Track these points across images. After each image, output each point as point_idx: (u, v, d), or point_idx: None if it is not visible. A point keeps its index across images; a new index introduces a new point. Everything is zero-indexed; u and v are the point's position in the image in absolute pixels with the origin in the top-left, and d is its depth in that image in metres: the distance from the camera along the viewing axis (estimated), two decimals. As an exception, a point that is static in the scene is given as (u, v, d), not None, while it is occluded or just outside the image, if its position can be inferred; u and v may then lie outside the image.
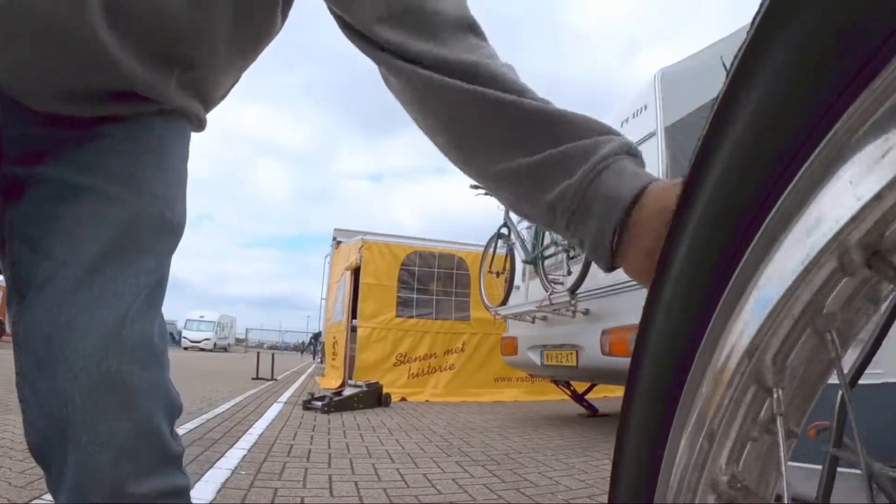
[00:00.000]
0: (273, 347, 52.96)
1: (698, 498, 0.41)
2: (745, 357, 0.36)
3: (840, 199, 0.30)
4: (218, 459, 3.17)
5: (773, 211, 0.34)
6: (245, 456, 3.32)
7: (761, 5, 0.33)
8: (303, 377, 12.34)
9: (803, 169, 0.32)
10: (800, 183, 0.32)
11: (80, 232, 0.77)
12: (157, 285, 0.83)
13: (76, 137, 0.83)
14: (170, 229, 0.87)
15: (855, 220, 0.30)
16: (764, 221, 0.35)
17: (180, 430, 3.78)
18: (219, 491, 2.55)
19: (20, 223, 0.79)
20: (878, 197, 0.29)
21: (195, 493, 2.47)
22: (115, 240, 0.78)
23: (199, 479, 2.71)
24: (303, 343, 31.72)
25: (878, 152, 0.29)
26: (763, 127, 0.34)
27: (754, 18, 0.33)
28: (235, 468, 2.99)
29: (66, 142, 0.82)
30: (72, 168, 0.80)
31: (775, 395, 0.37)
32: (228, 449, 3.49)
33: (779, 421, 0.36)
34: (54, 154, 0.81)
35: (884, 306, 0.35)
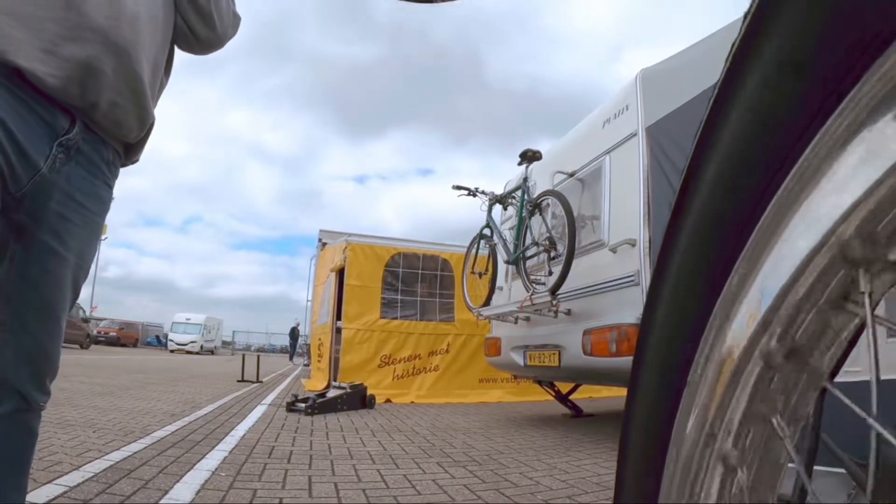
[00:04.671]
0: (260, 350, 52.63)
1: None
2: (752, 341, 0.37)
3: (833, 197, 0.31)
4: (198, 461, 3.16)
5: (768, 208, 0.35)
6: (226, 458, 3.31)
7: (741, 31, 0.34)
8: (288, 380, 12.29)
9: (797, 166, 0.33)
10: (795, 179, 0.33)
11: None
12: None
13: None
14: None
15: (848, 216, 0.31)
16: (760, 219, 0.36)
17: (162, 432, 3.76)
18: (197, 492, 2.54)
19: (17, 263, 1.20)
20: (869, 192, 0.30)
21: (174, 494, 2.47)
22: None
23: (178, 481, 2.70)
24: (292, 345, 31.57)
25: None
26: (756, 126, 0.35)
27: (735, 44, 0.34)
28: (215, 470, 2.98)
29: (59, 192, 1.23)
30: (51, 236, 1.21)
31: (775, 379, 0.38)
32: (209, 451, 3.48)
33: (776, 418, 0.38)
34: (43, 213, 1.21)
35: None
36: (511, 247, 5.48)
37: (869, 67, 0.30)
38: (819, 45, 0.31)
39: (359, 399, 6.59)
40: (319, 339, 10.74)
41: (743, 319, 0.38)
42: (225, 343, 52.13)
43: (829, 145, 0.32)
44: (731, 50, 0.36)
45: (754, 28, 0.34)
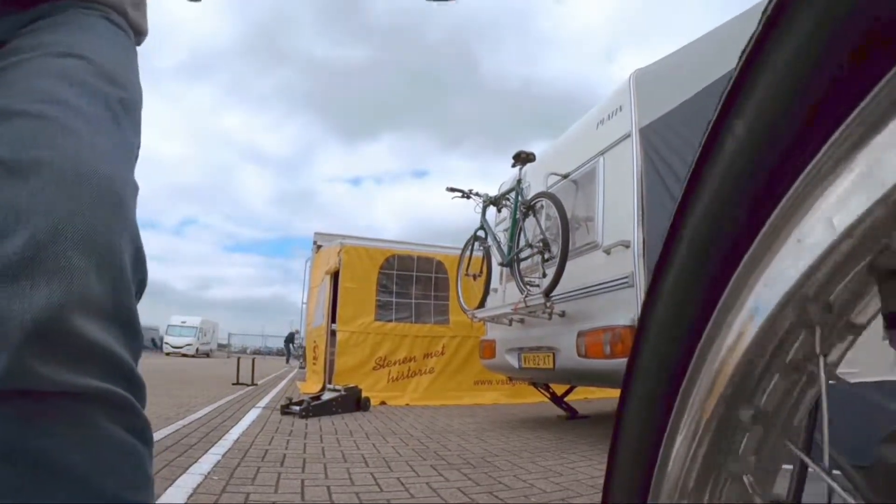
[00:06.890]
0: (256, 352, 52.57)
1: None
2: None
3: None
4: (191, 465, 3.14)
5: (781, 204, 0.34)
6: (219, 461, 3.29)
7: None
8: (283, 382, 12.26)
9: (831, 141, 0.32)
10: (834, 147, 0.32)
11: None
12: None
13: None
14: None
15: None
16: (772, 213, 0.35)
17: (156, 436, 3.74)
18: (190, 496, 2.52)
19: None
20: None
21: (166, 498, 2.45)
22: None
23: (170, 485, 2.68)
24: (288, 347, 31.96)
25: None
26: (767, 119, 0.34)
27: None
28: (208, 473, 2.97)
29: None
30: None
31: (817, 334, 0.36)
32: (203, 454, 3.46)
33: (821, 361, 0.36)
34: None
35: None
36: (505, 249, 5.48)
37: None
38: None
39: (353, 401, 6.58)
40: (314, 342, 10.72)
41: (736, 332, 0.38)
42: (221, 346, 52.05)
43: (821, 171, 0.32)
44: (740, 57, 0.35)
45: (768, 31, 0.33)
